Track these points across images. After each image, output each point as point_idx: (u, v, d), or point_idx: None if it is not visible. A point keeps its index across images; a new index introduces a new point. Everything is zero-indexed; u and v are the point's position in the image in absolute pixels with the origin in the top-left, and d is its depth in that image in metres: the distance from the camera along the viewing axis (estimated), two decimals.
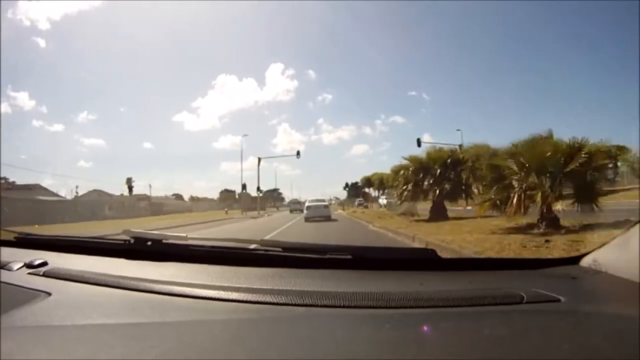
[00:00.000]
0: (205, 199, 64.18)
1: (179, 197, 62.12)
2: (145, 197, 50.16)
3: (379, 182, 62.81)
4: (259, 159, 36.67)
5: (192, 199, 63.68)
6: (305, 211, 20.46)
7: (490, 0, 51.81)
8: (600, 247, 1.12)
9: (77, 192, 45.93)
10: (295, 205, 39.28)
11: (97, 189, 47.47)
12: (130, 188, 56.01)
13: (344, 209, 36.45)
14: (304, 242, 1.48)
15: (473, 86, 65.20)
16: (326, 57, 79.94)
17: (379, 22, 68.36)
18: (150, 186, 59.25)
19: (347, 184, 33.88)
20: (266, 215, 32.07)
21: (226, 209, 39.84)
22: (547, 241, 5.90)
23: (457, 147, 23.67)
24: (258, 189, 36.55)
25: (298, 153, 35.82)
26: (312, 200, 21.57)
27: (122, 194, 50.93)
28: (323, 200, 22.15)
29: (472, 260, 1.31)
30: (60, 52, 60.45)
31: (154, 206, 45.80)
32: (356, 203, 46.59)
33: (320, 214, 19.38)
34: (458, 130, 39.39)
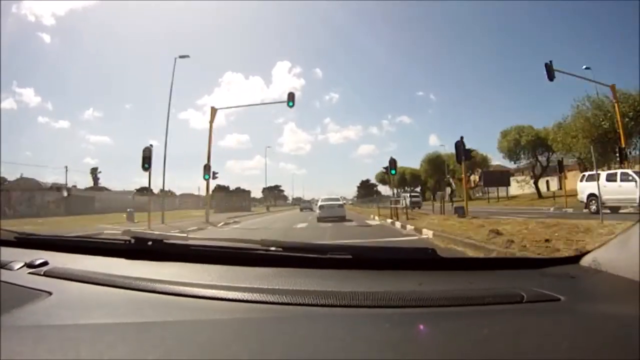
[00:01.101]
0: (189, 195, 54.21)
1: (144, 191, 51.23)
2: (61, 188, 35.73)
3: (399, 178, 54.82)
4: (213, 110, 20.88)
5: (164, 193, 52.77)
6: (317, 211, 18.85)
7: (497, 2, 51.82)
8: (600, 246, 1.13)
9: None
10: (305, 204, 39.91)
11: (25, 176, 37.80)
12: (95, 179, 48.80)
13: (393, 216, 16.04)
14: (304, 241, 1.48)
15: (480, 87, 65.04)
16: (333, 56, 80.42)
17: (387, 21, 68.68)
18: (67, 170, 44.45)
19: (393, 160, 18.76)
20: (220, 225, 17.06)
21: (129, 210, 21.78)
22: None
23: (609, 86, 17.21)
24: (206, 168, 19.43)
25: (290, 98, 19.55)
26: (325, 199, 19.65)
27: (74, 186, 42.02)
28: (337, 199, 20.20)
29: (472, 259, 1.31)
30: (65, 48, 60.50)
31: (75, 201, 32.07)
32: (407, 201, 21.48)
33: (334, 214, 17.87)
34: (587, 68, 23.35)
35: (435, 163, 50.64)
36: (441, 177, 47.39)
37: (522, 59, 62.07)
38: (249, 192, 54.60)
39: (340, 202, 19.78)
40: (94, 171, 50.25)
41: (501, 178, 22.06)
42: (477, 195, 46.56)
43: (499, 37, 64.24)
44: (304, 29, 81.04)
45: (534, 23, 58.55)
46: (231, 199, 40.15)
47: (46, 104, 67.84)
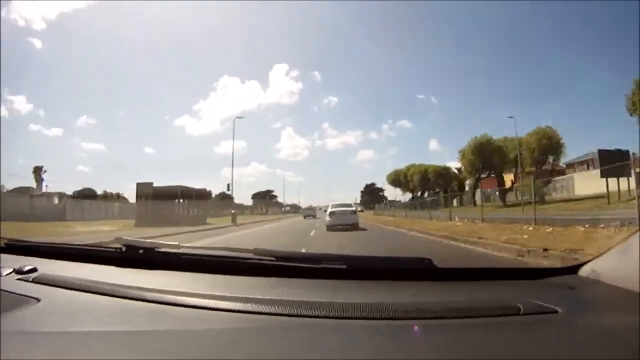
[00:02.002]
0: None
1: (85, 193, 39.77)
2: None
3: (420, 177, 41.76)
4: None
5: (108, 195, 40.12)
6: (328, 218, 16.64)
7: (499, 2, 52.55)
8: (598, 256, 1.12)
9: None
10: (309, 211, 37.83)
11: None
12: (38, 180, 37.35)
13: None
14: (297, 251, 1.48)
15: (482, 90, 64.87)
16: (332, 58, 79.41)
17: (387, 24, 68.46)
18: None
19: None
20: None
21: None
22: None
23: None
24: None
25: None
26: (336, 205, 17.58)
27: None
28: (349, 205, 18.02)
29: (469, 270, 1.32)
30: (57, 54, 58.98)
31: None
32: None
33: (345, 221, 15.90)
34: None
35: (483, 152, 32.74)
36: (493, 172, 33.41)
37: (526, 60, 62.20)
38: (207, 193, 35.37)
39: (353, 209, 17.61)
40: (37, 170, 38.83)
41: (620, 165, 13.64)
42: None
43: (502, 38, 64.66)
44: (302, 31, 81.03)
45: (538, 24, 58.73)
46: (175, 206, 27.17)
47: (38, 111, 66.66)
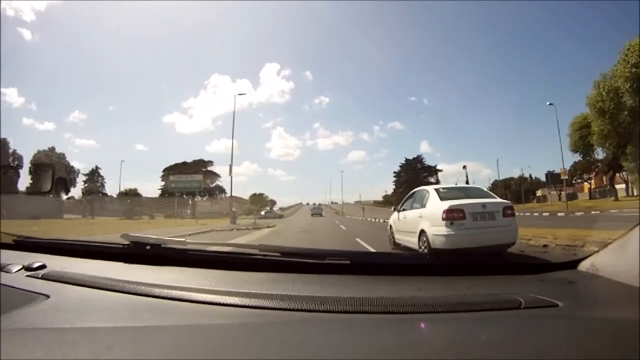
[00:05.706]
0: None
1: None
2: None
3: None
4: None
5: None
6: (444, 229, 5.31)
7: (493, 3, 51.65)
8: (598, 251, 1.13)
9: None
10: (316, 210, 37.18)
11: None
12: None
13: None
14: (302, 246, 1.49)
15: (476, 92, 64.33)
16: (324, 58, 78.39)
17: (380, 23, 67.84)
18: None
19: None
20: None
21: None
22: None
23: None
24: None
25: None
26: (450, 189, 6.79)
27: None
28: (487, 194, 6.77)
29: (470, 265, 1.32)
30: (46, 46, 57.21)
31: None
32: None
33: (493, 239, 5.23)
34: None
35: None
36: None
37: (520, 62, 61.36)
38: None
39: (507, 202, 6.27)
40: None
41: None
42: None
43: (497, 40, 63.75)
44: (295, 29, 79.54)
45: (533, 23, 57.74)
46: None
47: (30, 105, 65.36)
